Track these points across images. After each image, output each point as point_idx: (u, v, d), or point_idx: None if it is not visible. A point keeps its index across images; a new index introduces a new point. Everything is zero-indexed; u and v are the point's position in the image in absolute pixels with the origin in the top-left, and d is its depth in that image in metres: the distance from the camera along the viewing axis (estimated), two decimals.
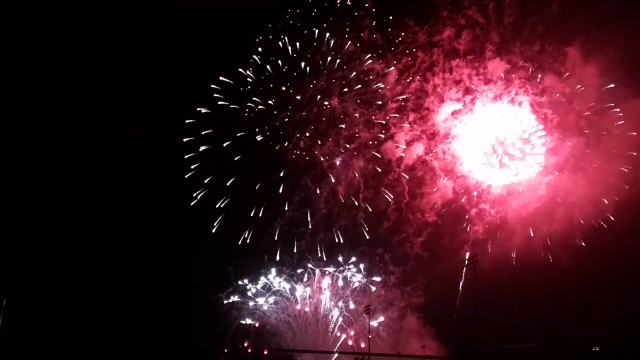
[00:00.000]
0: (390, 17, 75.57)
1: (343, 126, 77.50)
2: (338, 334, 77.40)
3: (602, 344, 61.94)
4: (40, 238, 72.43)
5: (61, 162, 75.48)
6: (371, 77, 76.85)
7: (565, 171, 69.22)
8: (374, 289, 77.86)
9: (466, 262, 60.79)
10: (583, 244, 66.89)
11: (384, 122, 76.58)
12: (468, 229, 72.29)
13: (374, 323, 76.64)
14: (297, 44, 77.05)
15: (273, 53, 77.40)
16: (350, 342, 77.00)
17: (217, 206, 77.20)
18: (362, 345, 75.42)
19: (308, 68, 77.37)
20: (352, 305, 77.79)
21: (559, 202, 68.72)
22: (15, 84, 72.65)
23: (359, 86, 77.18)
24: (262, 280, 78.96)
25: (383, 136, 76.55)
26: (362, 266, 78.25)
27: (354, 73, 76.98)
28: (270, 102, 77.66)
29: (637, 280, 61.07)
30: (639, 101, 65.53)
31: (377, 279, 77.89)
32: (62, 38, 74.19)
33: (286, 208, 77.25)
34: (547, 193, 69.90)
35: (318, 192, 77.92)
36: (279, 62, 77.38)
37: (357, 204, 77.22)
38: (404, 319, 76.83)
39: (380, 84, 76.43)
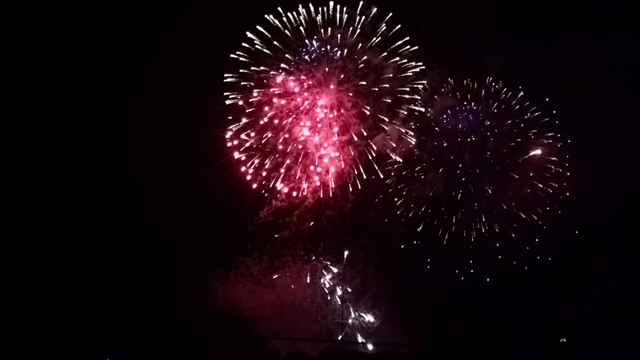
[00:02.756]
0: (394, 9, 75.12)
1: (337, 115, 76.90)
2: (313, 321, 76.51)
3: (569, 335, 61.88)
4: None
5: None
6: (370, 69, 76.20)
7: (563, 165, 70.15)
8: (351, 277, 77.32)
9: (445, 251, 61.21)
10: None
11: (378, 114, 76.15)
12: (454, 219, 72.61)
13: (349, 311, 76.05)
14: (302, 29, 75.85)
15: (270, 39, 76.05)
16: (324, 330, 76.35)
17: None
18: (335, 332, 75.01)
19: (307, 56, 76.64)
20: (328, 293, 77.31)
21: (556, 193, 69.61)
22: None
23: (357, 77, 76.58)
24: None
25: (376, 128, 76.28)
26: (343, 255, 77.76)
27: (353, 64, 76.36)
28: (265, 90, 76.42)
29: (606, 272, 61.56)
30: None
31: (356, 268, 77.30)
32: None
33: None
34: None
35: (306, 182, 77.27)
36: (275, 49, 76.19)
37: (344, 194, 76.76)
38: (378, 307, 76.12)
39: (377, 76, 75.89)
